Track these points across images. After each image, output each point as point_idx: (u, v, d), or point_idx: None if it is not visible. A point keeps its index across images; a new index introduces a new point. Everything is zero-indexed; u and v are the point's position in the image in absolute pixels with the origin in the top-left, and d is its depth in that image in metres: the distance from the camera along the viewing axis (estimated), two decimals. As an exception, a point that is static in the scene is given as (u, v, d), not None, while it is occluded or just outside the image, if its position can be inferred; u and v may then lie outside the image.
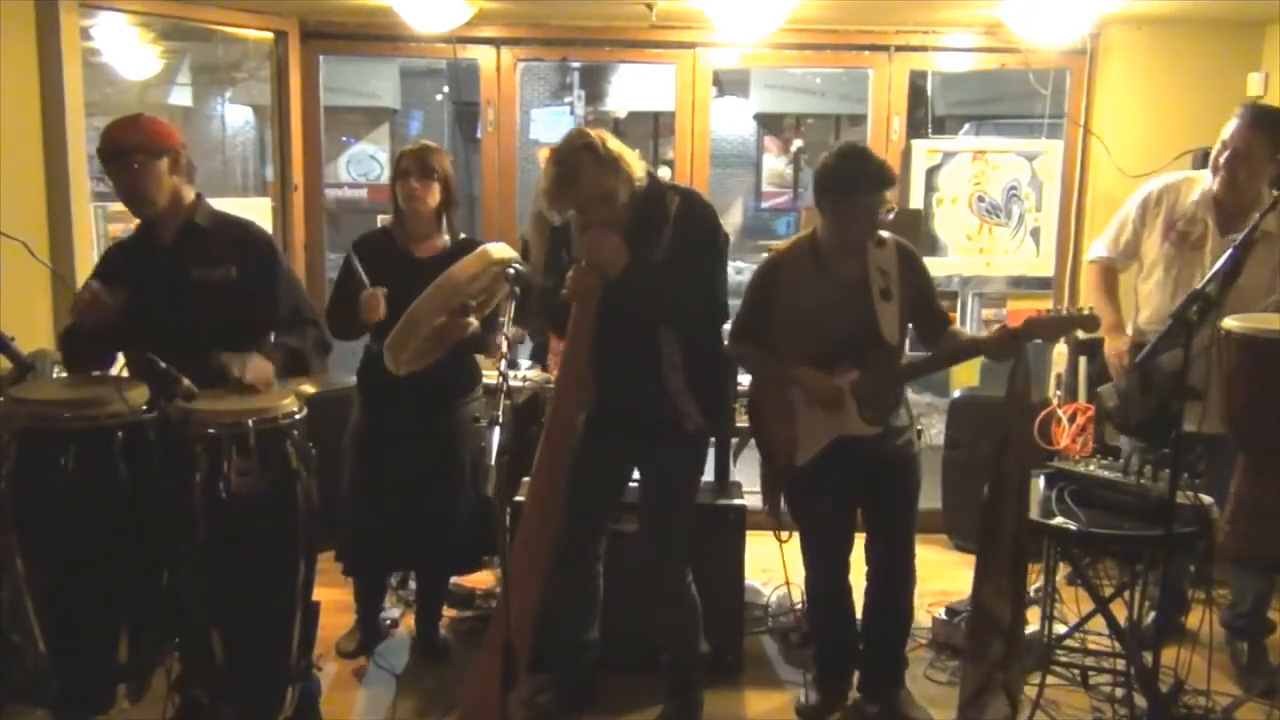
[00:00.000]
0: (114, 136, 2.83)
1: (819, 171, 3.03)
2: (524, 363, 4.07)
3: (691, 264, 2.89)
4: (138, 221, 3.00)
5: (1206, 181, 3.50)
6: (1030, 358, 5.41)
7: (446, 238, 3.46)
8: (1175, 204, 3.56)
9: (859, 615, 3.33)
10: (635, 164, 2.87)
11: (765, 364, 3.21)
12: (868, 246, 3.05)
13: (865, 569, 3.26)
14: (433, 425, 3.42)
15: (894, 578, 3.24)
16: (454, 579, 3.89)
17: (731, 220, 14.07)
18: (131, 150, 2.79)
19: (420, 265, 3.37)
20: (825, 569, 3.28)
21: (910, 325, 3.16)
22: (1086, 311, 2.95)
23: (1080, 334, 3.90)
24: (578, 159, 2.80)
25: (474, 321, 3.27)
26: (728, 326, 3.15)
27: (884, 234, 3.10)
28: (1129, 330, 3.67)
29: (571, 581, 3.13)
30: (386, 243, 3.48)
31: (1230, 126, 3.38)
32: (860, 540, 3.27)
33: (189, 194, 2.92)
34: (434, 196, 3.39)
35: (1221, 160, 3.38)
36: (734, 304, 3.17)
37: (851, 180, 2.95)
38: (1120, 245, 3.72)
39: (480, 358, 3.62)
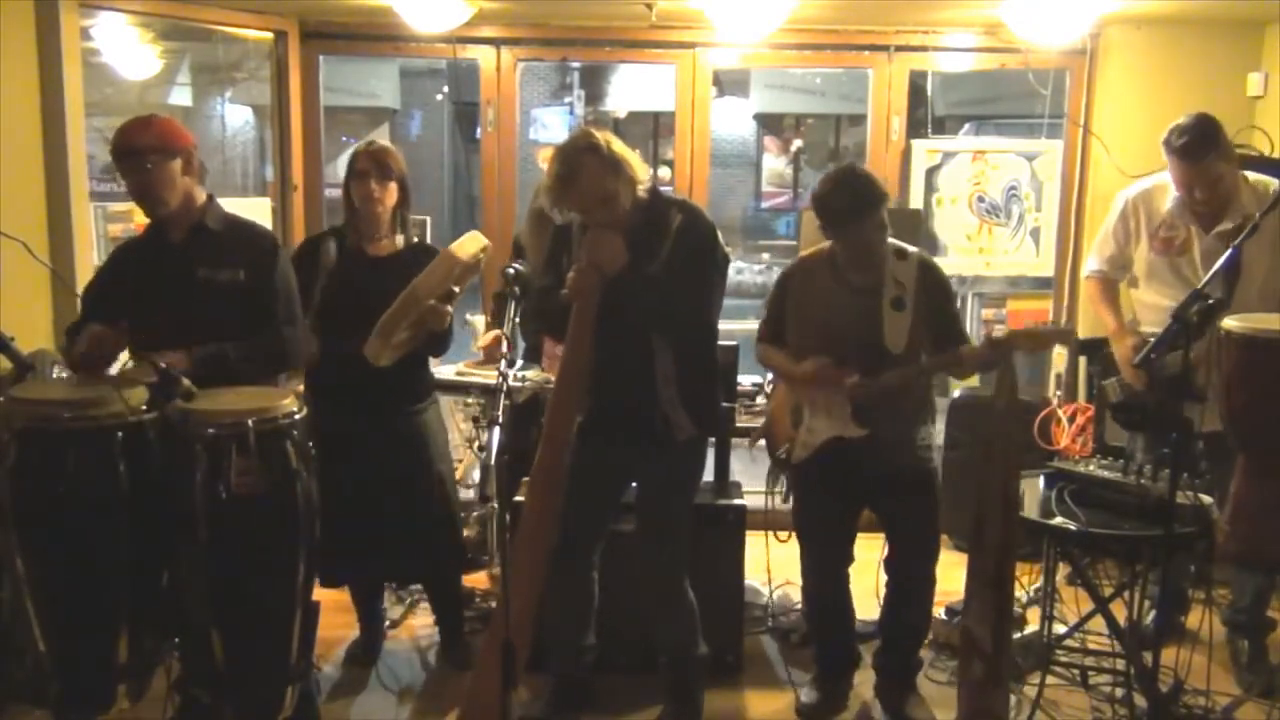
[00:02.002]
0: (128, 137, 2.82)
1: (814, 201, 3.06)
2: (518, 362, 4.06)
3: (687, 278, 2.89)
4: (139, 222, 3.00)
5: (1175, 190, 3.48)
6: (1029, 357, 5.40)
7: (401, 238, 3.44)
8: (1152, 211, 3.56)
9: (865, 615, 3.36)
10: (639, 167, 2.88)
11: (774, 358, 3.24)
12: (887, 257, 3.06)
13: (884, 576, 3.28)
14: (387, 432, 3.37)
15: (907, 595, 3.25)
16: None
17: (731, 221, 14.12)
18: (145, 151, 2.79)
19: (374, 264, 3.36)
20: (821, 573, 3.29)
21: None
22: (1066, 325, 3.01)
23: (1060, 346, 3.90)
24: (581, 160, 2.80)
25: (450, 310, 3.26)
26: (737, 332, 3.17)
27: (908, 248, 3.12)
28: (1133, 339, 3.66)
29: (566, 587, 3.11)
30: (340, 241, 3.43)
31: (1172, 163, 3.33)
32: (867, 545, 3.28)
33: (200, 195, 2.93)
34: (391, 197, 3.37)
35: (1196, 196, 3.33)
36: (735, 305, 3.18)
37: (842, 212, 2.99)
38: (1108, 258, 3.73)
39: (471, 360, 3.60)
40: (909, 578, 3.23)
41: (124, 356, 2.85)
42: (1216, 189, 3.34)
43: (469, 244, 3.20)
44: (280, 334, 2.95)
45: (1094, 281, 3.79)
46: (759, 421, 3.60)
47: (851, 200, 2.97)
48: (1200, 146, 3.28)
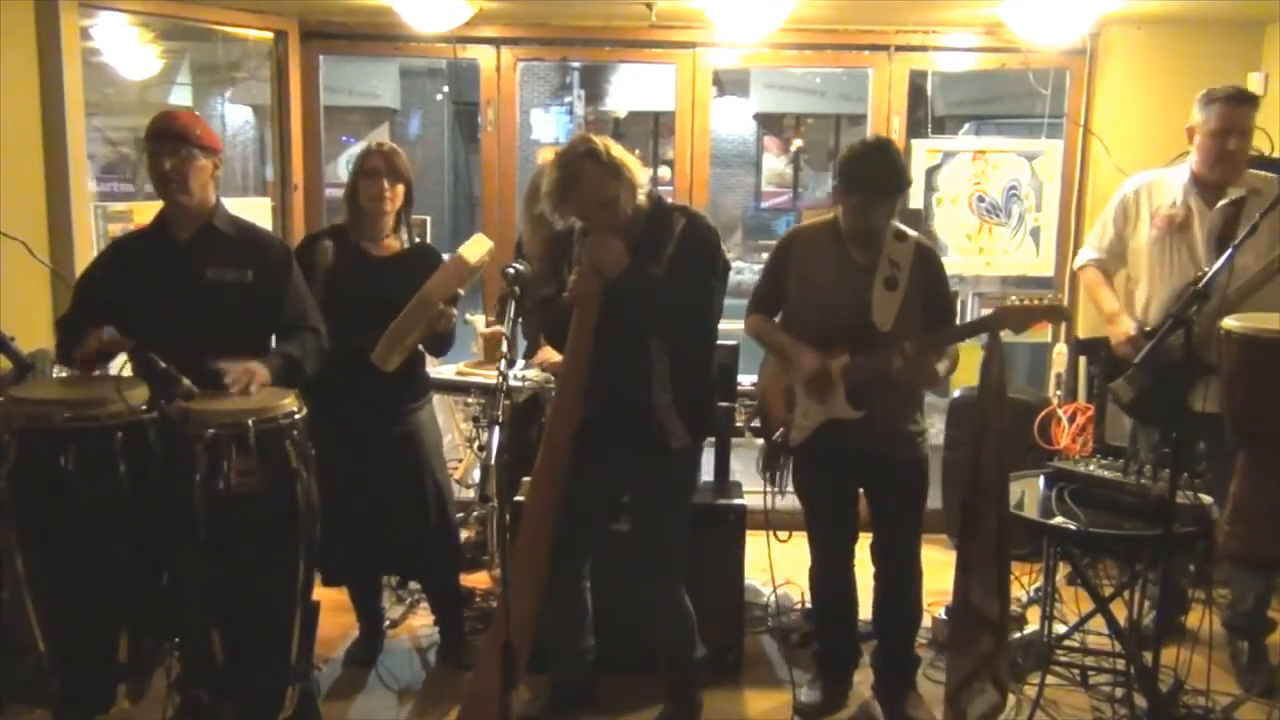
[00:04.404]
0: (173, 121, 2.92)
1: (840, 160, 3.08)
2: (519, 362, 4.07)
3: (689, 280, 2.89)
4: (138, 221, 3.02)
5: (1181, 172, 3.55)
6: (1029, 358, 5.41)
7: (404, 239, 3.45)
8: (1152, 196, 3.61)
9: (867, 615, 3.36)
10: (638, 171, 2.87)
11: (772, 336, 3.25)
12: (886, 237, 3.07)
13: (872, 569, 3.28)
14: (383, 430, 3.38)
15: (895, 579, 3.25)
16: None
17: (731, 221, 14.12)
18: (188, 139, 2.88)
19: (376, 264, 3.38)
20: (827, 555, 3.30)
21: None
22: (1054, 302, 3.03)
23: (1051, 323, 3.88)
24: (580, 165, 2.80)
25: (454, 312, 3.29)
26: (737, 332, 3.16)
27: (908, 231, 3.14)
28: (1130, 321, 3.67)
29: (559, 594, 3.08)
30: (341, 240, 3.43)
31: (1213, 113, 3.43)
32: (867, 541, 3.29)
33: (212, 198, 2.98)
34: (398, 199, 3.40)
35: (1230, 145, 3.41)
36: (735, 304, 3.19)
37: (862, 182, 2.99)
38: (1106, 247, 3.76)
39: (471, 360, 3.59)
40: (899, 563, 3.23)
41: (124, 356, 2.85)
42: (1245, 143, 3.43)
43: (476, 247, 3.24)
44: (321, 335, 3.02)
45: (1090, 269, 3.82)
46: (754, 422, 3.60)
47: (880, 176, 2.98)
48: (1247, 96, 3.46)
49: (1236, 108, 3.40)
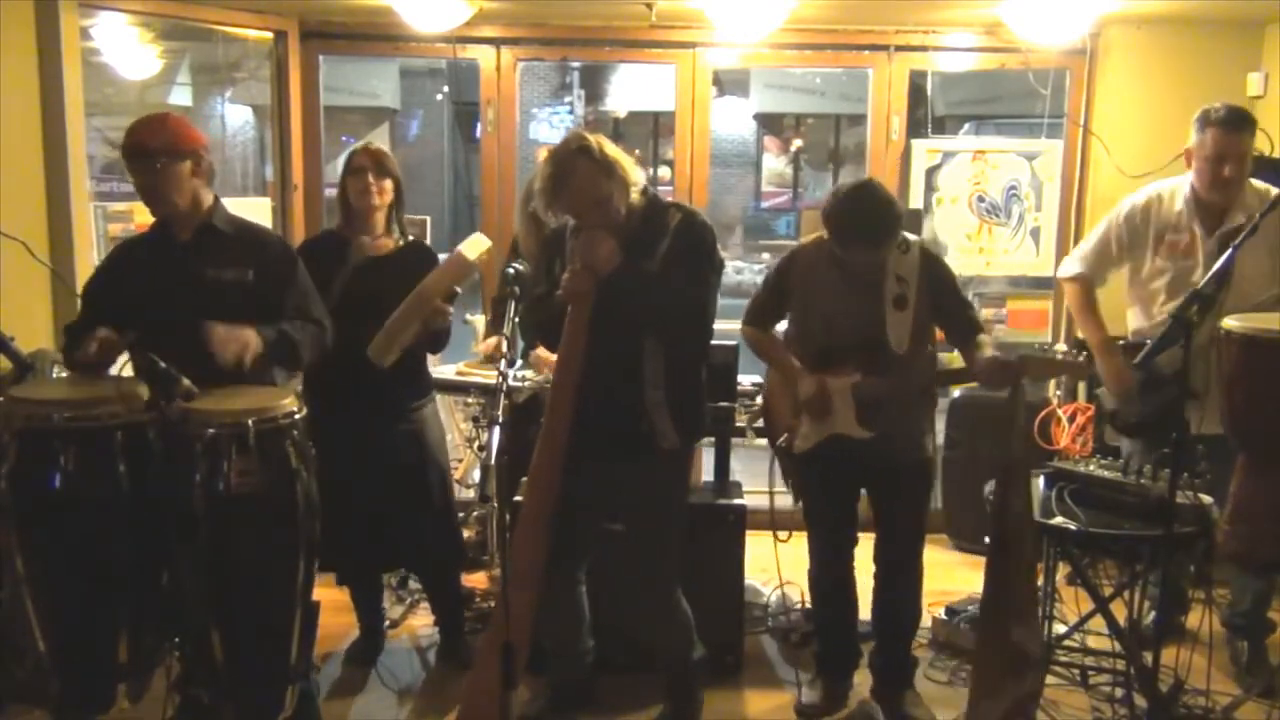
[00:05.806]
0: (139, 137, 2.84)
1: (826, 214, 3.01)
2: (518, 362, 4.07)
3: (685, 274, 2.87)
4: (139, 222, 3.01)
5: (1184, 189, 3.51)
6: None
7: (395, 237, 3.46)
8: (1159, 214, 3.56)
9: (866, 615, 3.36)
10: (632, 170, 2.86)
11: (772, 352, 3.25)
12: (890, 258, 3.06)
13: (873, 569, 3.29)
14: (386, 429, 3.38)
15: (895, 580, 3.25)
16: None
17: (731, 221, 14.13)
18: (155, 151, 2.81)
19: (370, 264, 3.38)
20: (828, 557, 3.30)
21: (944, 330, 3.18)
22: (1080, 358, 3.02)
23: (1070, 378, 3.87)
24: (573, 162, 2.79)
25: (450, 310, 3.29)
26: (736, 332, 3.16)
27: (911, 237, 3.11)
28: (1122, 340, 3.66)
29: (555, 596, 3.06)
30: (335, 242, 3.45)
31: (1208, 137, 3.38)
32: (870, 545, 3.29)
33: (208, 197, 2.95)
34: (386, 196, 3.40)
35: (1226, 172, 3.36)
36: (735, 304, 3.19)
37: (855, 239, 2.97)
38: (1102, 262, 3.69)
39: (471, 360, 3.60)
40: (899, 565, 3.24)
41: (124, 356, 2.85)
42: (1243, 167, 3.39)
43: (475, 245, 3.25)
44: (325, 326, 2.99)
45: (1076, 286, 3.74)
46: (758, 423, 3.60)
47: (873, 229, 2.94)
48: (1242, 120, 3.38)
49: (1231, 134, 3.35)
